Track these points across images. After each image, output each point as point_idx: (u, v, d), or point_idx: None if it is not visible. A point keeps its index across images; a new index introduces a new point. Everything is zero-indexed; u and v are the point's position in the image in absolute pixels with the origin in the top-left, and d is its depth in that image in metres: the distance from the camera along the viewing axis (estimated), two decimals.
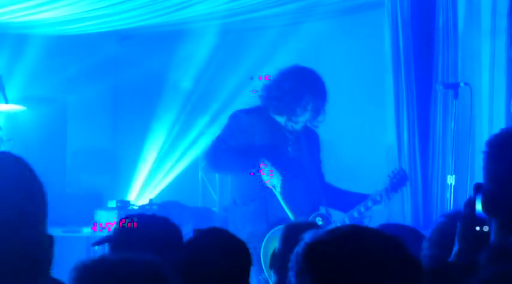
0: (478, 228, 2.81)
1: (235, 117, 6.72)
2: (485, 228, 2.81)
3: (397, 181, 6.70)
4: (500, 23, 7.38)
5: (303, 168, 6.73)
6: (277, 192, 6.49)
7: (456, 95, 6.85)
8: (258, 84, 6.95)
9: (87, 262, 2.21)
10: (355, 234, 2.17)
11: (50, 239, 1.97)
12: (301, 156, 6.75)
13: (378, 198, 6.57)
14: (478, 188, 2.81)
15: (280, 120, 6.70)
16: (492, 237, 2.75)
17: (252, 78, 7.39)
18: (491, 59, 7.49)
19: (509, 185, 2.72)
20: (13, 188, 1.96)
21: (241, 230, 6.32)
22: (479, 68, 7.57)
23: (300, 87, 6.60)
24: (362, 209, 6.56)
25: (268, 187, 6.51)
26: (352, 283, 2.10)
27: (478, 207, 2.80)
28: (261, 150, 6.57)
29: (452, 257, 2.93)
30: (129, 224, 3.30)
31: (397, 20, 7.74)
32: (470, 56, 7.62)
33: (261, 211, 6.55)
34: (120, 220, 3.44)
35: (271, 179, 6.49)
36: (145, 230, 3.30)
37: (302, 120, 6.66)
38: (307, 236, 3.37)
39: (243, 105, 7.02)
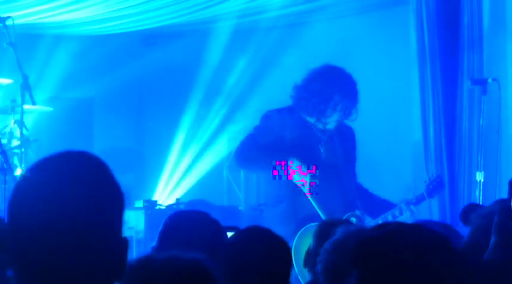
0: None
1: (267, 116, 6.63)
2: None
3: (433, 188, 6.63)
4: None
5: (337, 169, 6.63)
6: (305, 189, 6.42)
7: (484, 91, 6.83)
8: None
9: (133, 262, 2.19)
10: (402, 230, 2.17)
11: (126, 243, 1.92)
12: (334, 156, 6.64)
13: (405, 208, 6.51)
14: None
15: (310, 120, 6.60)
16: None
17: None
18: None
19: None
20: (94, 189, 1.91)
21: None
22: (505, 65, 7.54)
23: (329, 87, 6.47)
24: (390, 217, 6.50)
25: (296, 188, 6.45)
26: (398, 278, 2.10)
27: None
28: (291, 149, 6.49)
29: (488, 251, 2.93)
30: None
31: (422, 17, 7.72)
32: (496, 52, 7.58)
33: (289, 211, 6.49)
34: (167, 218, 3.44)
35: (300, 178, 6.42)
36: (193, 229, 3.29)
37: (332, 120, 6.55)
38: (339, 232, 3.36)
39: (268, 104, 6.97)
